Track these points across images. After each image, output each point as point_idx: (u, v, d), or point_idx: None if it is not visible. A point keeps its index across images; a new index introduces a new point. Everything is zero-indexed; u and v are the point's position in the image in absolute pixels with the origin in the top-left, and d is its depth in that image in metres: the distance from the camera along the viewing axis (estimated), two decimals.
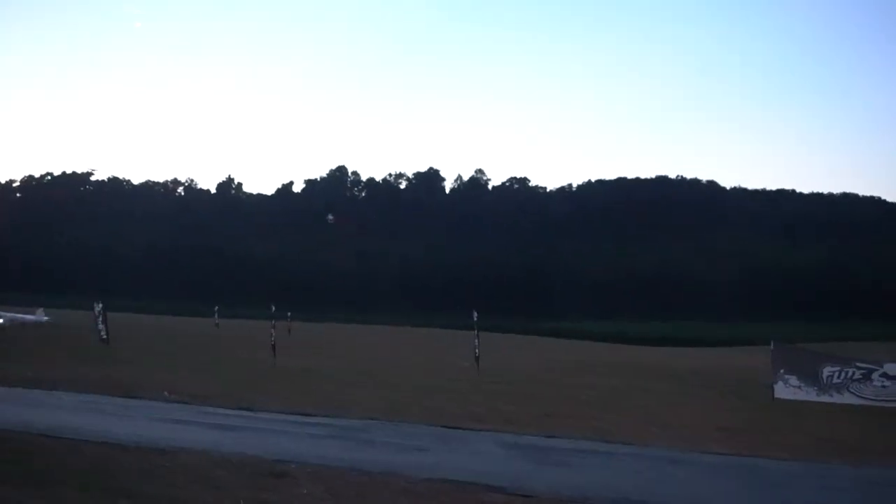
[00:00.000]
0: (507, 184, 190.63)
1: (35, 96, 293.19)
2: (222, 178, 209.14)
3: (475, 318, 37.49)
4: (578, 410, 23.48)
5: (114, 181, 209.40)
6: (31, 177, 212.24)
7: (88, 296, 59.18)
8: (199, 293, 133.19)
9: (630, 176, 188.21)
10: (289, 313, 69.33)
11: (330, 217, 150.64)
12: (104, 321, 38.03)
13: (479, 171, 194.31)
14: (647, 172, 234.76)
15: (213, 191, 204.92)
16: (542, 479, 13.21)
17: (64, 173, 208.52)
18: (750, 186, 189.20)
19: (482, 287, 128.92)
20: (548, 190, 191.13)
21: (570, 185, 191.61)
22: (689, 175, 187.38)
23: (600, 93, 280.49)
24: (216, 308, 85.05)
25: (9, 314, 54.67)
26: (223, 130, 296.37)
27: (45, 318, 59.99)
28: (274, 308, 41.67)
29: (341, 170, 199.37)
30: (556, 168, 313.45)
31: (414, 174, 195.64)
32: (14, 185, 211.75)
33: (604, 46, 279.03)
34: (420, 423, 19.00)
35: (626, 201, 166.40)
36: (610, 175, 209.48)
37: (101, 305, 38.62)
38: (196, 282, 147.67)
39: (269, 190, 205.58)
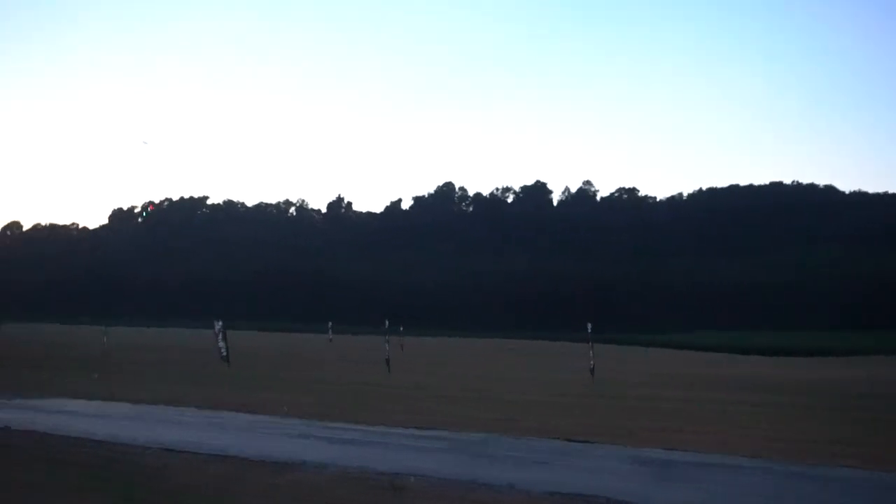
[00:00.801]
0: (616, 194, 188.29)
1: (153, 126, 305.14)
2: (332, 197, 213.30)
3: (589, 331, 37.03)
4: (697, 424, 22.84)
5: (228, 204, 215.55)
6: (150, 202, 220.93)
7: (206, 317, 60.85)
8: (312, 311, 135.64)
9: (743, 183, 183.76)
10: (401, 328, 69.79)
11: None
12: (224, 339, 38.93)
13: (587, 183, 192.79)
14: (761, 179, 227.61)
15: (324, 210, 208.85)
16: (666, 494, 12.86)
17: (181, 198, 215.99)
18: (871, 190, 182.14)
19: (591, 300, 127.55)
20: (657, 199, 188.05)
21: (679, 195, 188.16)
22: (804, 180, 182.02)
23: (709, 98, 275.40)
24: (329, 325, 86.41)
25: None
26: (333, 151, 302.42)
27: None
28: (388, 324, 42.03)
29: (448, 185, 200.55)
30: (665, 177, 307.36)
31: (521, 188, 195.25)
32: (135, 210, 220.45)
33: (713, 50, 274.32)
34: (537, 437, 18.77)
35: (738, 209, 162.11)
36: (721, 183, 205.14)
37: (220, 324, 39.55)
38: (309, 300, 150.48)
39: (378, 208, 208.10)
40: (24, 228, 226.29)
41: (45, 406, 22.62)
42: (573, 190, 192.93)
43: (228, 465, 13.68)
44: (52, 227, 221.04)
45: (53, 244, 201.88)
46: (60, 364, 39.91)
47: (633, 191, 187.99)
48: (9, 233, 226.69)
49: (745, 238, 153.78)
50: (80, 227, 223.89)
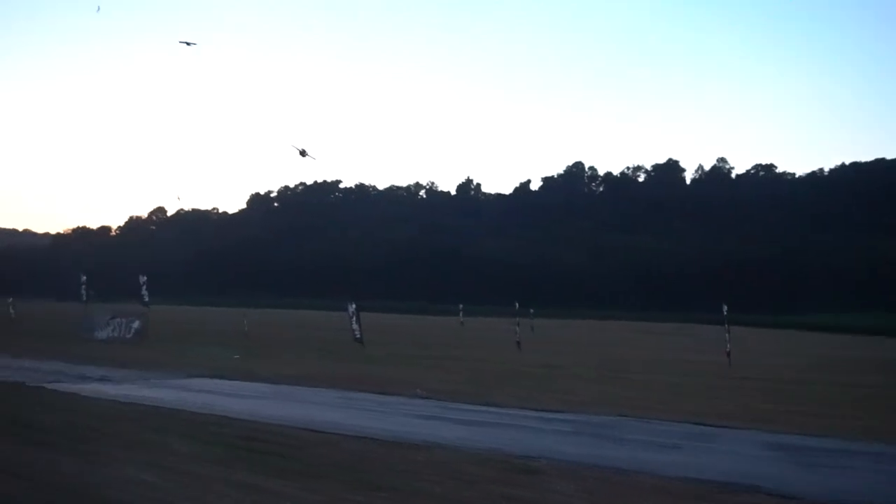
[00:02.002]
0: (752, 171, 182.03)
1: (287, 112, 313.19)
2: (461, 179, 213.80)
3: (725, 312, 36.18)
4: (836, 409, 22.06)
5: (360, 187, 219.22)
6: (286, 187, 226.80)
7: (340, 298, 62.05)
8: (442, 293, 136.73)
9: (889, 156, 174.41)
10: (531, 310, 69.74)
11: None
12: (357, 321, 39.71)
13: (721, 160, 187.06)
14: None
15: (454, 192, 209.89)
16: (806, 481, 12.44)
17: (315, 182, 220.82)
18: None
19: (726, 280, 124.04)
20: (796, 176, 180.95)
21: (821, 170, 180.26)
22: None
23: (848, 67, 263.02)
24: (461, 307, 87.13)
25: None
26: (461, 132, 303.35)
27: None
28: (517, 306, 42.10)
29: (578, 165, 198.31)
30: (804, 152, 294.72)
31: (652, 166, 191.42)
32: (272, 195, 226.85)
33: (852, 12, 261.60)
34: (669, 421, 18.49)
35: (886, 184, 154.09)
36: (866, 157, 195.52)
37: (354, 306, 40.34)
38: (439, 282, 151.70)
39: (508, 189, 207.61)
40: (168, 214, 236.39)
41: (191, 385, 23.61)
42: (707, 168, 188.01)
43: (363, 444, 13.97)
44: (194, 211, 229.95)
45: (195, 228, 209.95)
46: (203, 344, 41.53)
47: (770, 167, 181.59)
48: (154, 218, 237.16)
49: (893, 214, 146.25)
50: (220, 211, 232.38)
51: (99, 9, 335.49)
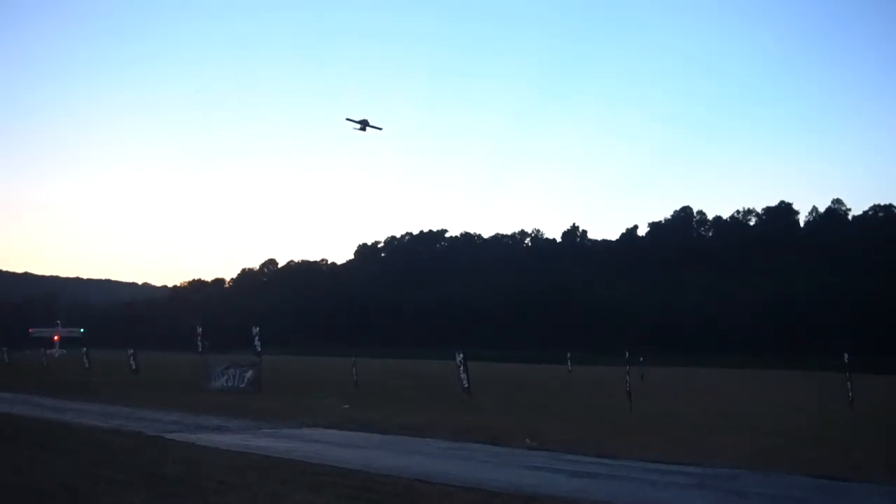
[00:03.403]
0: (870, 213, 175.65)
1: (395, 168, 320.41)
2: (567, 226, 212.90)
3: (846, 360, 34.76)
4: None
5: (465, 236, 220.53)
6: (393, 237, 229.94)
7: (448, 346, 62.08)
8: (550, 340, 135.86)
9: None
10: (641, 358, 68.47)
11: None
12: (465, 370, 39.58)
13: (837, 202, 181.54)
14: None
15: (559, 239, 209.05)
16: None
17: (421, 232, 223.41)
18: None
19: (848, 326, 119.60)
20: None
21: None
22: None
23: None
24: (568, 355, 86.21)
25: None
26: (567, 179, 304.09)
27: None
28: (628, 354, 41.40)
29: (686, 210, 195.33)
30: None
31: (764, 209, 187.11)
32: (379, 245, 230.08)
33: None
34: (794, 473, 17.68)
35: None
36: None
37: (461, 356, 40.25)
38: (547, 329, 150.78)
39: (614, 235, 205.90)
40: (279, 265, 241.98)
41: (304, 435, 23.82)
42: (821, 210, 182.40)
43: (478, 496, 13.78)
44: (304, 263, 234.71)
45: (305, 279, 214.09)
46: (314, 394, 42.04)
47: (889, 208, 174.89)
48: (266, 270, 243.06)
49: None
50: (329, 262, 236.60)
51: (198, 91, 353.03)
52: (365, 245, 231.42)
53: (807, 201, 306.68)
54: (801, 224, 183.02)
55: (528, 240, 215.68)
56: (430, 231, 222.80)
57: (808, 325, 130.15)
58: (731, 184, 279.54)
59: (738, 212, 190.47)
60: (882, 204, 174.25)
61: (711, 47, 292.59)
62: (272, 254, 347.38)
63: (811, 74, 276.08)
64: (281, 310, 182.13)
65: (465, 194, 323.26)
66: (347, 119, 58.52)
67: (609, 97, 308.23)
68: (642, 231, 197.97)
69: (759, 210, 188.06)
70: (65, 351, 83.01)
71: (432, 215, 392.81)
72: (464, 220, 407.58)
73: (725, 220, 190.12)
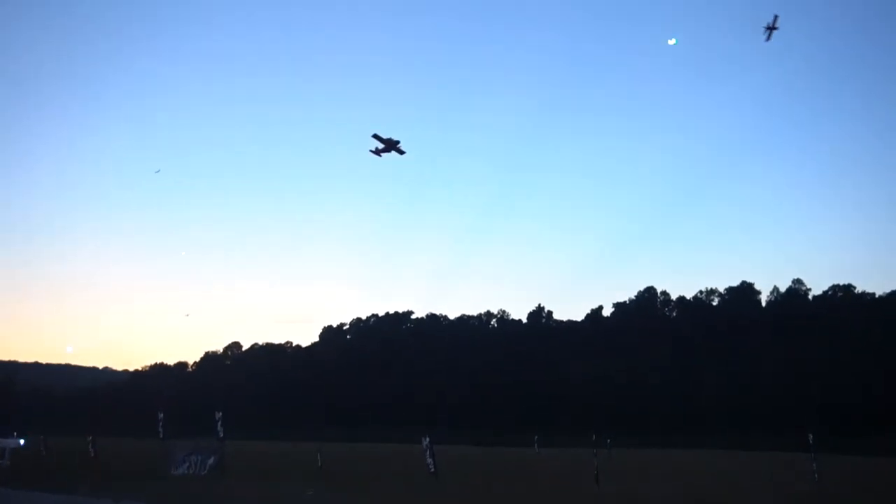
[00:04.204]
0: (830, 292, 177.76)
1: (360, 249, 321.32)
2: (532, 307, 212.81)
3: (811, 441, 34.95)
4: None
5: (431, 317, 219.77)
6: (358, 319, 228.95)
7: (415, 430, 61.59)
8: (517, 422, 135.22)
9: None
10: (608, 440, 68.28)
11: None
12: (432, 454, 39.26)
13: (797, 281, 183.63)
14: None
15: (525, 320, 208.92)
16: None
17: (387, 313, 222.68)
18: None
19: (811, 405, 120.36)
20: (876, 296, 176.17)
21: None
22: None
23: None
24: (535, 437, 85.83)
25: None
26: (533, 261, 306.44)
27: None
28: (594, 436, 41.30)
29: (650, 290, 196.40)
30: (884, 272, 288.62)
31: (726, 289, 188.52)
32: (344, 327, 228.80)
33: None
34: None
35: None
36: None
37: (428, 440, 39.97)
38: (514, 411, 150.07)
39: (579, 315, 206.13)
40: (244, 348, 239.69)
41: None
42: (782, 289, 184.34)
43: None
44: (269, 346, 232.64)
45: (269, 362, 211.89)
46: (277, 479, 41.40)
47: (848, 287, 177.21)
48: (230, 353, 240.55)
49: None
50: (294, 345, 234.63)
51: (159, 171, 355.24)
52: (330, 327, 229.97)
53: (768, 281, 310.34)
54: (763, 303, 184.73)
55: (493, 321, 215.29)
56: (396, 312, 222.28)
57: (773, 405, 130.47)
58: (694, 264, 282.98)
59: (701, 292, 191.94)
60: (841, 284, 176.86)
61: (674, 131, 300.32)
62: (236, 336, 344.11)
63: (770, 157, 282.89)
64: (246, 394, 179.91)
65: (430, 276, 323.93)
66: (374, 136, 58.63)
67: (573, 179, 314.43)
68: (607, 311, 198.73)
69: (721, 290, 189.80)
70: (21, 442, 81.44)
71: (398, 297, 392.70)
72: (430, 301, 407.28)
73: (689, 301, 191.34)
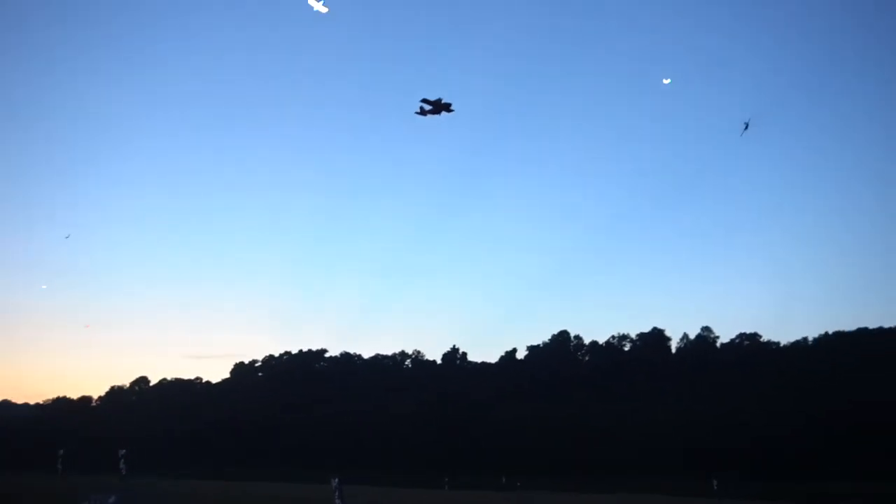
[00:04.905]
0: (737, 340, 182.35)
1: (273, 288, 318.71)
2: (447, 348, 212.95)
3: (715, 487, 35.58)
4: None
5: (345, 356, 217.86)
6: (270, 356, 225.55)
7: (324, 469, 60.82)
8: (429, 463, 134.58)
9: (872, 326, 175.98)
10: (518, 483, 68.46)
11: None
12: (340, 495, 38.85)
13: (706, 329, 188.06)
14: (891, 321, 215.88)
15: (439, 361, 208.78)
16: None
17: (300, 351, 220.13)
18: None
19: (718, 449, 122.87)
20: (781, 345, 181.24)
21: (804, 339, 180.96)
22: None
23: (832, 238, 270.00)
24: (446, 479, 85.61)
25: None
26: (448, 302, 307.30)
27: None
28: (504, 479, 41.42)
29: (563, 334, 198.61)
30: (788, 322, 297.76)
31: (637, 335, 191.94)
32: (256, 364, 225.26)
33: (836, 186, 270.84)
34: None
35: (868, 354, 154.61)
36: (849, 326, 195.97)
37: (337, 480, 39.56)
38: (426, 452, 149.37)
39: (494, 358, 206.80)
40: (151, 383, 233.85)
41: None
42: (692, 336, 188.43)
43: None
44: (178, 381, 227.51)
45: (178, 398, 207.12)
46: None
47: (754, 336, 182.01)
48: (136, 388, 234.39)
49: (876, 384, 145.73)
50: (204, 381, 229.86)
51: (69, 236, 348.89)
52: (242, 364, 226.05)
53: (678, 328, 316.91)
54: (673, 349, 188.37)
55: (408, 361, 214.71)
56: (310, 350, 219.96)
57: (684, 449, 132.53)
58: (606, 310, 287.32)
59: (613, 337, 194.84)
60: (748, 332, 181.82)
61: (587, 181, 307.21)
62: (143, 371, 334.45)
63: (682, 206, 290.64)
64: (152, 430, 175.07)
65: (346, 314, 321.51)
66: (423, 100, 58.01)
67: (491, 222, 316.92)
68: (521, 354, 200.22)
69: (633, 336, 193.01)
70: None
71: (312, 335, 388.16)
72: (344, 340, 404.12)
73: (601, 345, 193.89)
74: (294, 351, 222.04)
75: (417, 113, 61.80)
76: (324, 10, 59.31)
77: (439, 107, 60.54)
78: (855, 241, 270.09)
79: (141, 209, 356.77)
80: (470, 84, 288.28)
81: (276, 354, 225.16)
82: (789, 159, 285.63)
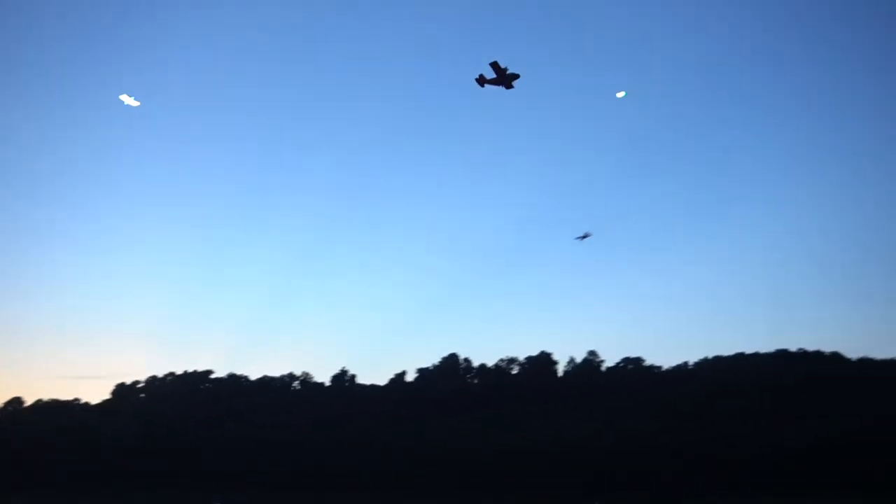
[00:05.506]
0: (621, 364, 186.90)
1: (157, 307, 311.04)
2: (336, 370, 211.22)
3: None
4: None
5: (232, 378, 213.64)
6: (154, 377, 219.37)
7: (209, 490, 59.69)
8: (317, 484, 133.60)
9: (748, 351, 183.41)
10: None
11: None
12: None
13: (592, 353, 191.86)
14: (767, 346, 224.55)
15: (328, 383, 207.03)
16: None
17: (185, 372, 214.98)
18: (879, 357, 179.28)
19: (602, 468, 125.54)
20: (663, 369, 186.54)
21: (685, 364, 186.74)
22: (810, 347, 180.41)
23: (713, 270, 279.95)
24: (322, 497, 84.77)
25: None
26: (338, 324, 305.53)
27: None
28: (389, 496, 41.41)
29: (453, 357, 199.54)
30: (671, 345, 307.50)
31: (526, 358, 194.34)
32: (138, 385, 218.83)
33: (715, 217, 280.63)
34: None
35: (746, 377, 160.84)
36: (727, 351, 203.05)
37: (220, 501, 38.85)
38: (314, 472, 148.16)
39: (383, 380, 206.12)
40: (26, 404, 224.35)
41: None
42: (578, 360, 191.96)
43: None
44: (54, 402, 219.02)
45: (55, 419, 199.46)
46: None
47: (638, 360, 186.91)
48: (10, 408, 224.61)
49: (753, 404, 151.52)
50: (83, 402, 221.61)
51: None
52: (123, 385, 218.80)
53: (565, 352, 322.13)
54: (560, 373, 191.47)
55: (296, 383, 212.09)
56: (195, 371, 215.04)
57: (570, 469, 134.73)
58: (496, 334, 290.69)
59: (501, 360, 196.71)
60: (632, 356, 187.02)
61: (476, 205, 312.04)
62: (18, 391, 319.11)
63: (564, 237, 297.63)
64: (25, 453, 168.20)
65: (233, 335, 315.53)
66: (493, 63, 53.60)
67: (378, 246, 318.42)
68: (411, 376, 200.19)
69: (521, 359, 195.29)
70: None
71: (198, 355, 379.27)
72: (231, 361, 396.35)
73: (490, 368, 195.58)
74: (179, 372, 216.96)
75: (477, 80, 58.49)
76: (135, 103, 57.16)
77: (504, 76, 56.67)
78: (733, 271, 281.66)
79: (11, 223, 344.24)
80: (365, 108, 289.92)
81: (160, 375, 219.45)
82: (660, 192, 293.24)
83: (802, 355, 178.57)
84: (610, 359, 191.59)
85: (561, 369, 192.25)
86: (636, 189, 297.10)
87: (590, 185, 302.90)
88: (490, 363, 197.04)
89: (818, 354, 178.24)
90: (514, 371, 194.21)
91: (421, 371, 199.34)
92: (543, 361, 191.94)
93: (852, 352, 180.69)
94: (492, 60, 58.22)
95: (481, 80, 59.65)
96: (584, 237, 58.43)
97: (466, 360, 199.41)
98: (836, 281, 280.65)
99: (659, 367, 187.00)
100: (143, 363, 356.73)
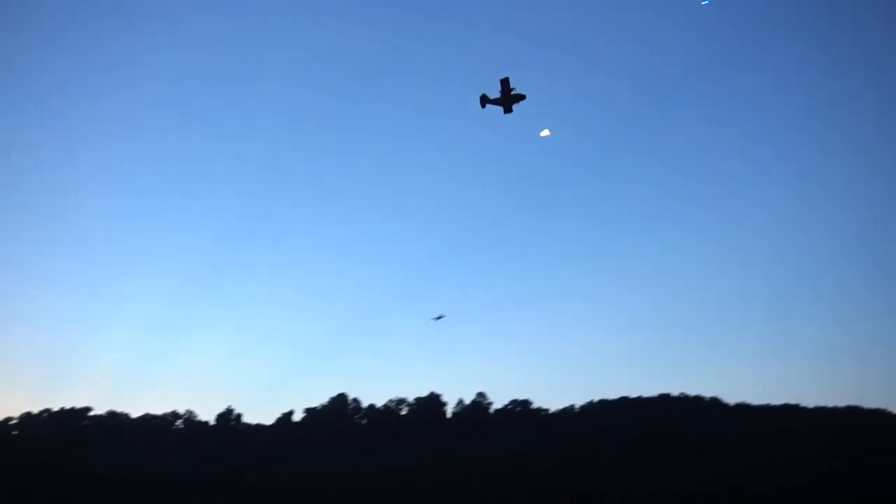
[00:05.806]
0: (510, 406, 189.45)
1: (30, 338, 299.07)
2: (221, 409, 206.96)
3: None
4: None
5: (112, 415, 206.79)
6: (28, 413, 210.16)
7: None
8: None
9: (633, 395, 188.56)
10: None
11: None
12: None
13: (481, 395, 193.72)
14: (651, 391, 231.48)
15: (213, 422, 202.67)
16: None
17: (62, 409, 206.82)
18: (754, 402, 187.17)
19: None
20: (550, 411, 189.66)
21: (571, 406, 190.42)
22: (692, 392, 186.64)
23: (598, 317, 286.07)
24: None
25: None
26: (224, 362, 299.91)
27: None
28: None
29: (341, 397, 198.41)
30: (557, 390, 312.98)
31: (415, 399, 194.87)
32: (11, 421, 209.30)
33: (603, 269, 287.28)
34: None
35: (631, 419, 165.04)
36: (612, 394, 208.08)
37: None
38: None
39: (269, 419, 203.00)
40: None
41: None
42: (467, 401, 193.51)
43: None
44: None
45: None
46: None
47: (525, 402, 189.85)
48: None
49: (637, 447, 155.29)
50: None
51: None
52: None
53: (454, 393, 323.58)
54: (449, 414, 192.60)
55: (179, 421, 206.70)
56: (73, 408, 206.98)
57: None
58: (384, 375, 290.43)
59: (391, 400, 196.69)
60: (520, 399, 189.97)
61: (361, 247, 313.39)
62: None
63: (452, 277, 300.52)
64: None
65: (113, 371, 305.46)
66: (504, 80, 50.30)
67: (264, 284, 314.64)
68: (298, 416, 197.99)
69: (410, 399, 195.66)
70: None
71: (75, 391, 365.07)
72: (111, 398, 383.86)
73: (379, 409, 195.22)
74: (55, 408, 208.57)
75: (485, 97, 56.14)
76: None
77: (508, 97, 54.09)
78: (619, 320, 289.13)
79: None
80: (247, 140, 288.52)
81: (35, 412, 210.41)
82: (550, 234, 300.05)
83: (683, 399, 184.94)
84: (498, 400, 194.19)
85: (450, 410, 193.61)
86: (534, 225, 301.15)
87: (485, 222, 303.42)
88: (379, 403, 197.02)
89: (698, 399, 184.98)
90: (404, 412, 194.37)
91: (308, 411, 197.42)
92: (432, 402, 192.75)
93: (730, 397, 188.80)
94: (503, 77, 56.74)
95: (483, 101, 58.42)
96: (439, 318, 59.32)
97: (355, 399, 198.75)
98: (717, 329, 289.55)
99: (546, 410, 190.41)
100: (17, 399, 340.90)
